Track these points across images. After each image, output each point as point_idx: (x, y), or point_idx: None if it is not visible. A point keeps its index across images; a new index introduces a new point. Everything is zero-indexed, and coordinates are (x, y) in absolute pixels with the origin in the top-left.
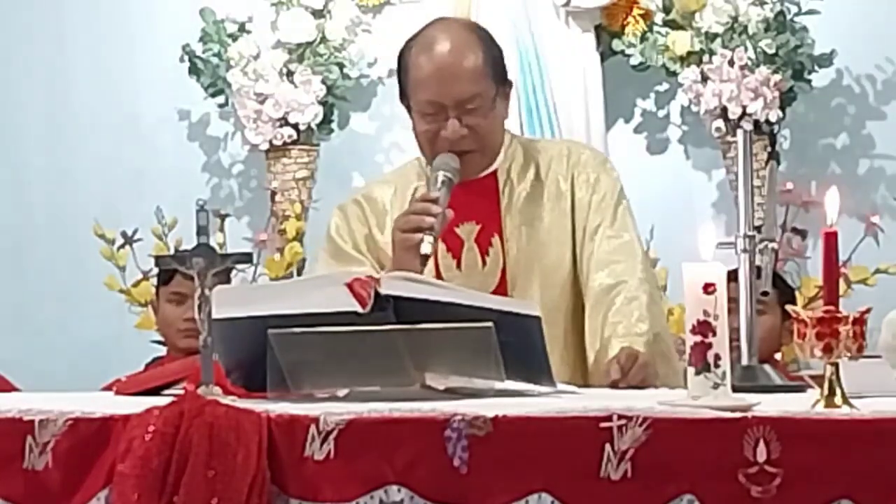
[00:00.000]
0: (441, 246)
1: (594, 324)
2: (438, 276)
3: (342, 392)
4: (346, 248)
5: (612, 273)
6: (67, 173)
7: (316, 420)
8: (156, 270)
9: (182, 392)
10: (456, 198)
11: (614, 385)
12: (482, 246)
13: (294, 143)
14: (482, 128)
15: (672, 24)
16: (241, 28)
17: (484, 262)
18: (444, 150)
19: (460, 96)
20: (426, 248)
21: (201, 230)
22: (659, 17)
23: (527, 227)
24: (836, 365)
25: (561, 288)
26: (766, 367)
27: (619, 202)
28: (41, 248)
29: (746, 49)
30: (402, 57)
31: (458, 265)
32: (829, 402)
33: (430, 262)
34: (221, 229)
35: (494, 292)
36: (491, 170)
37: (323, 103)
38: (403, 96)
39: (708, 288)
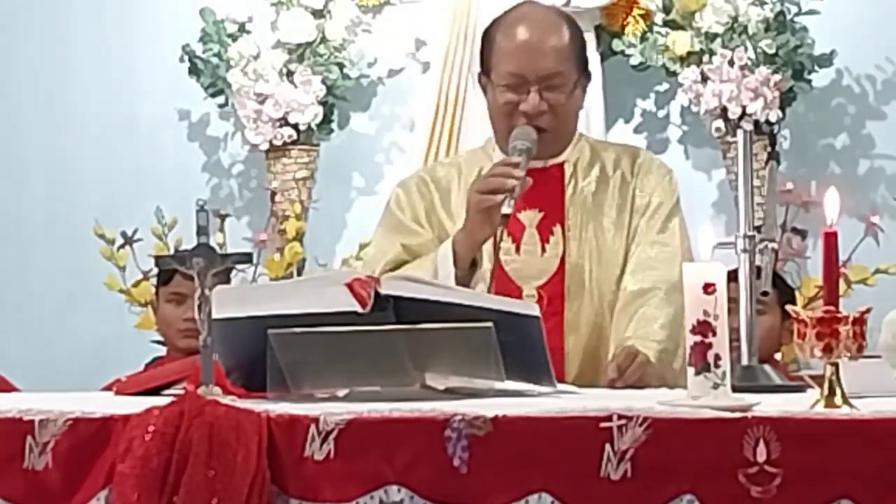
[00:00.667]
0: (502, 230)
1: (619, 324)
2: (497, 257)
3: (342, 392)
4: (404, 220)
5: (648, 278)
6: (67, 173)
7: (316, 420)
8: (156, 270)
9: (182, 392)
10: None
11: (611, 385)
12: (543, 233)
13: (294, 143)
14: (561, 107)
15: (672, 25)
16: (241, 28)
17: (543, 250)
18: (520, 123)
19: (544, 71)
20: (507, 209)
21: (201, 230)
22: (659, 17)
23: (589, 221)
24: (836, 365)
25: (616, 283)
26: (766, 367)
27: (672, 213)
28: (41, 248)
29: (746, 49)
30: (487, 33)
31: (518, 249)
32: (829, 402)
33: (489, 242)
34: (221, 229)
35: (551, 280)
36: (559, 161)
37: (323, 103)
38: (484, 73)
39: (708, 288)
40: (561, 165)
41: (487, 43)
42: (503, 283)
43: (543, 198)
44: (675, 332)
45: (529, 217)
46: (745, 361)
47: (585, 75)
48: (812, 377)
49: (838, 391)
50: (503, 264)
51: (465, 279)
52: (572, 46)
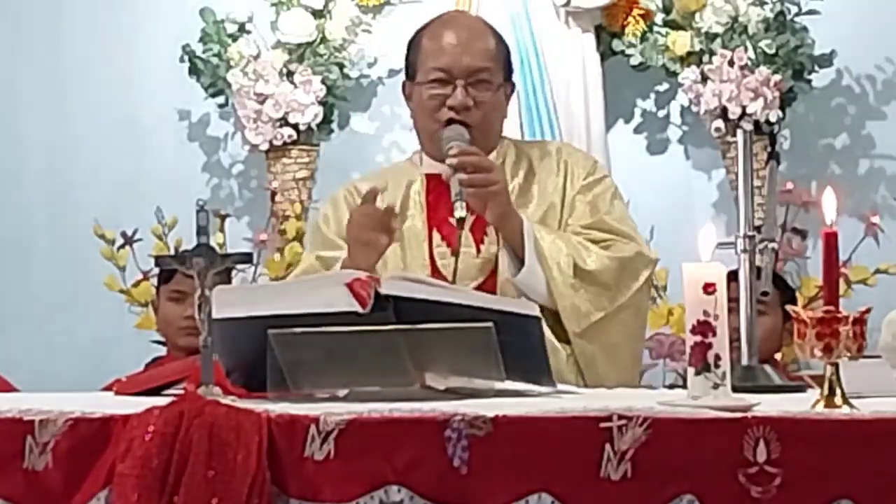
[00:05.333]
0: (436, 235)
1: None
2: (433, 262)
3: (342, 392)
4: (328, 233)
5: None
6: (67, 173)
7: (316, 420)
8: (156, 270)
9: (182, 392)
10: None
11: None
12: (477, 235)
13: (294, 143)
14: (487, 104)
15: (672, 25)
16: (241, 28)
17: (479, 251)
18: (446, 119)
19: (471, 66)
20: (461, 212)
21: (201, 230)
22: (659, 17)
23: (525, 205)
24: (836, 365)
25: None
26: (766, 367)
27: (615, 194)
28: (41, 248)
29: (746, 49)
30: (413, 40)
31: (453, 252)
32: (829, 402)
33: (425, 248)
34: (221, 229)
35: (488, 279)
36: None
37: (323, 103)
38: (409, 78)
39: (708, 288)
40: None
41: (413, 48)
42: None
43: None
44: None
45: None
46: (745, 361)
47: (510, 83)
48: (812, 377)
49: (838, 391)
50: (440, 268)
51: None
52: (498, 49)
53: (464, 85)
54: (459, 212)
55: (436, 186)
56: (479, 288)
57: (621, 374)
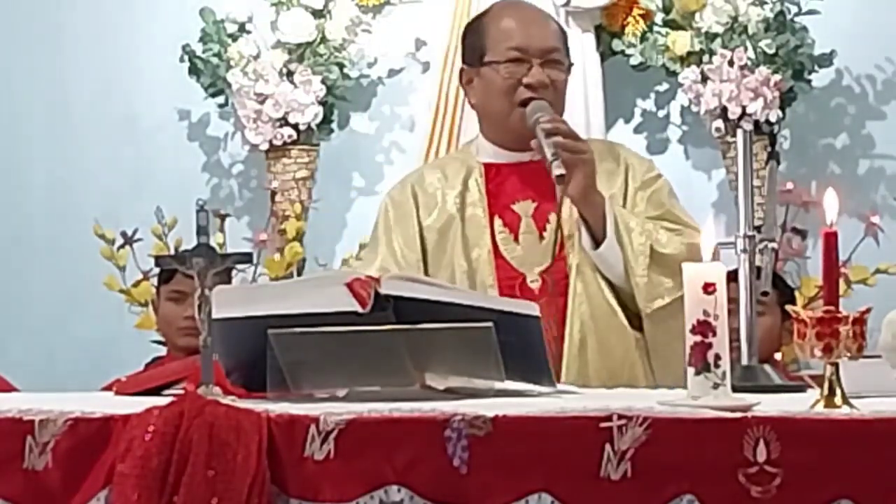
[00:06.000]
0: (498, 221)
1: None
2: (496, 248)
3: (342, 392)
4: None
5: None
6: (67, 173)
7: (316, 420)
8: (156, 270)
9: (182, 392)
10: (510, 177)
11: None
12: (539, 221)
13: (294, 143)
14: (559, 83)
15: (672, 24)
16: (241, 28)
17: (541, 237)
18: (523, 99)
19: (546, 44)
20: (560, 170)
21: (201, 230)
22: (659, 17)
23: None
24: (836, 365)
25: None
26: (766, 367)
27: (671, 201)
28: (41, 248)
29: (746, 49)
30: (474, 25)
31: (516, 238)
32: (829, 402)
33: (487, 236)
34: (221, 229)
35: (553, 264)
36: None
37: (323, 103)
38: (470, 64)
39: (708, 288)
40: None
41: (477, 33)
42: (505, 271)
43: (535, 189)
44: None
45: (524, 207)
46: (745, 361)
47: (570, 67)
48: (812, 377)
49: (838, 391)
50: (503, 254)
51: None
52: (562, 32)
53: (539, 63)
54: (558, 169)
55: (495, 175)
56: (544, 272)
57: (679, 364)
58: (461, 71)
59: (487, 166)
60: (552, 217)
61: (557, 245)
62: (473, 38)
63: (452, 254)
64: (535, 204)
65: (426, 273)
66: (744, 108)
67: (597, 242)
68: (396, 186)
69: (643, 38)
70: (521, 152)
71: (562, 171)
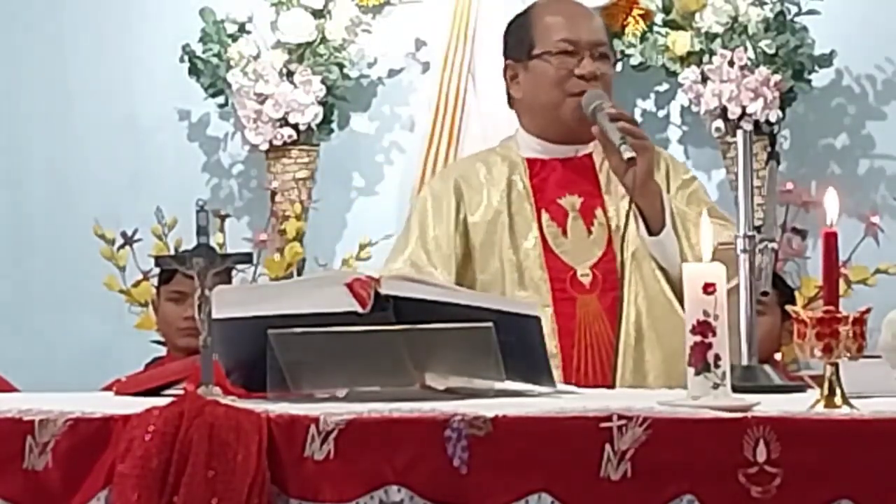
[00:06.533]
0: (545, 215)
1: None
2: (545, 242)
3: (342, 392)
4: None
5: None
6: (67, 173)
7: (316, 420)
8: (156, 270)
9: (182, 392)
10: (554, 172)
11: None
12: (586, 217)
13: (294, 143)
14: (607, 77)
15: (672, 25)
16: (241, 28)
17: (590, 232)
18: (575, 90)
19: (595, 37)
20: (630, 153)
21: (201, 230)
22: (659, 18)
23: (625, 197)
24: (836, 365)
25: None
26: (766, 367)
27: (708, 200)
28: (41, 248)
29: (746, 49)
30: (519, 20)
31: (564, 233)
32: (829, 402)
33: (535, 230)
34: (221, 229)
35: (603, 258)
36: (587, 151)
37: (323, 103)
38: (515, 58)
39: (708, 288)
40: (590, 155)
41: (524, 27)
42: (555, 265)
43: (580, 185)
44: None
45: (571, 202)
46: (745, 361)
47: (616, 62)
48: (812, 377)
49: (838, 391)
50: (553, 247)
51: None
52: (606, 28)
53: (590, 56)
54: (629, 152)
55: (539, 170)
56: (595, 266)
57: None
58: (505, 67)
59: (531, 161)
60: (599, 213)
61: (606, 241)
62: (520, 33)
63: (501, 247)
64: (581, 199)
65: (473, 269)
66: (744, 108)
67: (650, 232)
68: (437, 179)
69: (643, 39)
70: (566, 145)
71: (632, 153)
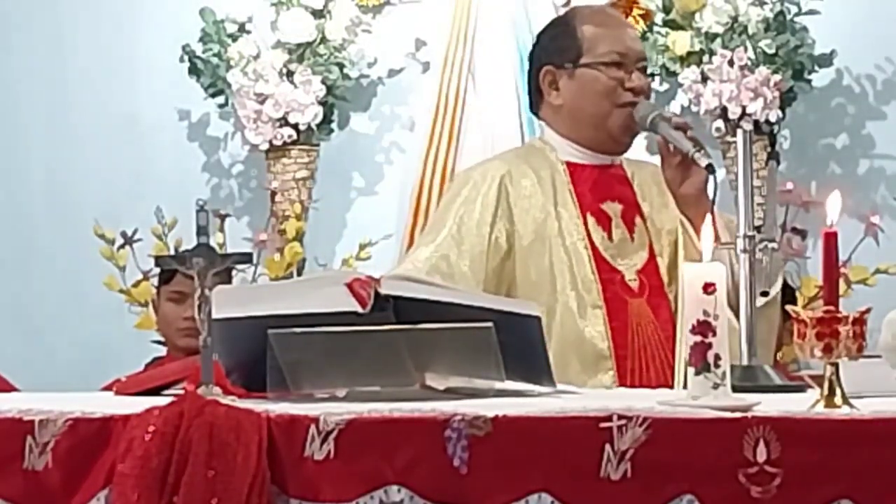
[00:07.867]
0: (591, 218)
1: None
2: (593, 246)
3: (342, 392)
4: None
5: None
6: (67, 173)
7: (316, 420)
8: (156, 270)
9: (182, 392)
10: (592, 178)
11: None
12: (628, 223)
13: (294, 143)
14: (650, 92)
15: (672, 24)
16: (241, 28)
17: (632, 238)
18: (624, 101)
19: (641, 52)
20: (706, 160)
21: (201, 230)
22: (659, 18)
23: (658, 212)
24: (836, 365)
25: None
26: (766, 367)
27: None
28: (41, 248)
29: (746, 49)
30: (561, 26)
31: (610, 237)
32: (829, 402)
33: (583, 233)
34: (221, 229)
35: (648, 263)
36: (619, 162)
37: (323, 103)
38: (557, 65)
39: (708, 288)
40: (620, 166)
41: (568, 35)
42: (604, 267)
43: (618, 192)
44: None
45: (613, 208)
46: (745, 361)
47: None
48: (812, 377)
49: (838, 391)
50: (601, 251)
51: None
52: None
53: (637, 69)
54: (706, 159)
55: (579, 174)
56: (641, 270)
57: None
58: (545, 72)
59: (570, 165)
60: (638, 220)
61: (648, 247)
62: (564, 40)
63: (551, 247)
64: (622, 206)
65: (510, 267)
66: (744, 108)
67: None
68: (478, 171)
69: (643, 39)
70: (603, 154)
71: (710, 159)
